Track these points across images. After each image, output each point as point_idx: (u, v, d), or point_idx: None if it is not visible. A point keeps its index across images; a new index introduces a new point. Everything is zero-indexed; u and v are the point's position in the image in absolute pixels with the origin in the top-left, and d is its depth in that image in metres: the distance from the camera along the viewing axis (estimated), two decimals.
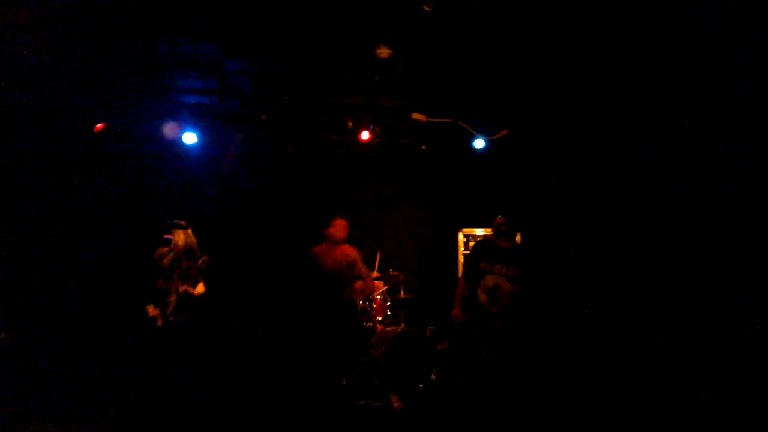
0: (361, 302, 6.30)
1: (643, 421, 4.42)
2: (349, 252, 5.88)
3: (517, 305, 5.22)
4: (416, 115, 6.65)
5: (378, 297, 6.66)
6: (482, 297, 5.25)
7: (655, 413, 4.44)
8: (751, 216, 4.78)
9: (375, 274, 6.79)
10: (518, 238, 7.71)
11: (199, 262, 5.36)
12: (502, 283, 5.19)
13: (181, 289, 5.17)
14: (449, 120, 6.82)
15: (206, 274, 5.44)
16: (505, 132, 6.92)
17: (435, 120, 6.75)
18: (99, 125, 6.09)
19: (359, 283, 6.01)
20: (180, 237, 5.29)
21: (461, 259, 7.87)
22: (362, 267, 5.95)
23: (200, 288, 5.35)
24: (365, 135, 6.77)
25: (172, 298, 5.22)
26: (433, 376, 6.18)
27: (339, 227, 5.92)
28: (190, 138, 6.49)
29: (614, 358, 5.23)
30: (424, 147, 7.54)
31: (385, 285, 6.83)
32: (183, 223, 5.35)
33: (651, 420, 4.39)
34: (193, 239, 5.40)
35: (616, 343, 5.36)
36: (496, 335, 5.18)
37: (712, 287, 4.99)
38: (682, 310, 5.15)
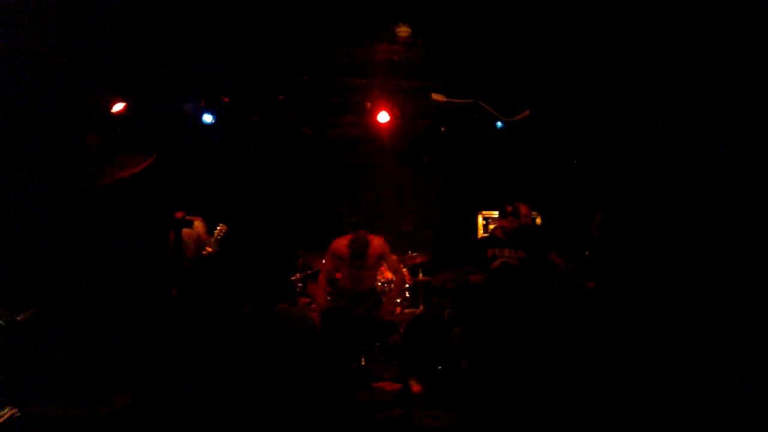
0: (379, 284, 6.29)
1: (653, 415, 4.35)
2: (376, 247, 5.79)
3: (524, 284, 5.24)
4: (436, 96, 6.55)
5: (396, 279, 6.64)
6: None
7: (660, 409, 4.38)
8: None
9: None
10: (538, 220, 7.65)
11: (216, 231, 5.43)
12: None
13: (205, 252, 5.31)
14: (470, 101, 6.71)
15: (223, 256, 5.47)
16: (526, 113, 6.80)
17: (455, 101, 6.64)
18: (118, 105, 6.10)
19: (387, 274, 6.04)
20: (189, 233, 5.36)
21: None
22: (389, 258, 5.91)
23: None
24: (384, 116, 6.68)
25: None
26: (449, 357, 6.15)
27: (361, 238, 5.74)
28: (207, 119, 6.48)
29: (625, 351, 5.16)
30: (443, 128, 7.44)
31: (404, 267, 6.80)
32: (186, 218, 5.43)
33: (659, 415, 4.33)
34: (201, 231, 5.46)
35: (629, 335, 5.30)
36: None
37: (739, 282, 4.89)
38: (701, 304, 5.06)
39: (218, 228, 5.58)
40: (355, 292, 5.76)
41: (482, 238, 5.96)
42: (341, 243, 5.80)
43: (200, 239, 5.59)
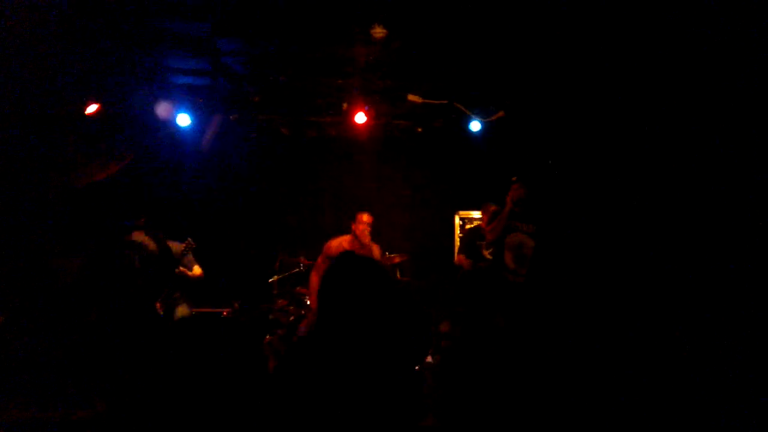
0: None
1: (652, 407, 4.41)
2: (374, 252, 5.67)
3: (537, 265, 5.23)
4: (412, 97, 6.59)
5: None
6: (508, 257, 5.16)
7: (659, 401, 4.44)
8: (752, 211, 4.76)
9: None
10: None
11: (183, 245, 5.32)
12: (525, 241, 5.20)
13: (177, 271, 5.16)
14: (445, 101, 6.75)
15: (200, 258, 5.41)
16: (501, 113, 6.87)
17: (431, 101, 6.68)
18: (91, 107, 6.03)
19: None
20: (144, 239, 5.24)
21: (458, 241, 7.85)
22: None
23: (197, 270, 5.31)
24: (361, 117, 6.70)
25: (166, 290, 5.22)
26: (429, 359, 6.17)
27: (364, 223, 5.57)
28: (183, 120, 6.44)
29: (614, 349, 5.22)
30: (420, 129, 7.48)
31: None
32: (141, 223, 5.30)
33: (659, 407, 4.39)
34: (158, 244, 5.34)
35: (606, 337, 5.36)
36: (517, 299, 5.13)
37: (712, 279, 4.97)
38: (679, 303, 5.14)
39: (185, 243, 5.42)
40: None
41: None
42: (338, 242, 5.67)
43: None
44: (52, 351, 4.97)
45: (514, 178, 5.42)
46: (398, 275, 6.98)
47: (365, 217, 5.62)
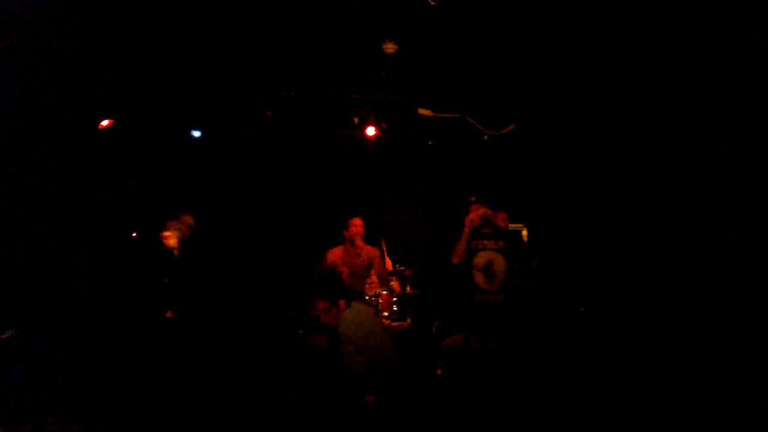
0: (367, 297, 6.28)
1: (645, 416, 4.39)
2: (370, 255, 5.77)
3: (512, 280, 5.21)
4: (423, 111, 6.63)
5: (384, 292, 6.65)
6: (478, 278, 5.18)
7: (655, 409, 4.42)
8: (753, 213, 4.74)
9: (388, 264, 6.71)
10: (524, 232, 7.70)
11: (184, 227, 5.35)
12: (495, 258, 5.15)
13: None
14: (456, 115, 6.78)
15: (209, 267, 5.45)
16: (511, 126, 6.88)
17: (442, 115, 6.72)
18: (105, 121, 6.11)
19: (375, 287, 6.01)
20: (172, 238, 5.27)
21: None
22: (378, 266, 5.90)
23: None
24: (371, 130, 6.75)
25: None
26: (439, 371, 6.16)
27: (356, 227, 5.72)
28: (196, 133, 6.52)
29: (614, 354, 5.21)
30: (431, 142, 7.51)
31: (395, 280, 6.82)
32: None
33: (652, 415, 4.37)
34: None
35: (615, 339, 5.35)
36: (497, 319, 5.08)
37: (715, 286, 4.95)
38: (686, 308, 5.12)
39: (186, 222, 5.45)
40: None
41: None
42: (333, 254, 5.74)
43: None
44: (53, 365, 5.00)
45: (472, 199, 5.43)
46: (408, 288, 6.96)
47: (357, 221, 5.74)
